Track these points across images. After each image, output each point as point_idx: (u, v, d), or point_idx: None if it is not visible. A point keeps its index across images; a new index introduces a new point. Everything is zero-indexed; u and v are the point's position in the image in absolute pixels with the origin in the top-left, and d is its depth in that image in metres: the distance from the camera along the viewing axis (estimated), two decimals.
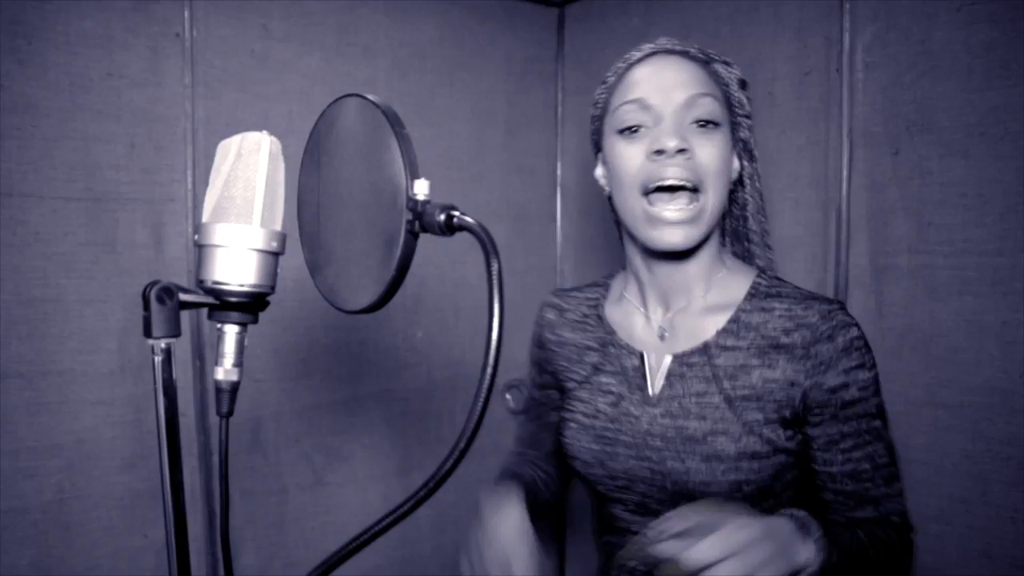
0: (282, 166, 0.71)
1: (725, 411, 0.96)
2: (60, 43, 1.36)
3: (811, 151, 1.52)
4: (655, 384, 1.02)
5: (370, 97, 0.67)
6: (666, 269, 1.03)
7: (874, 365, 0.96)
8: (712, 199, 0.96)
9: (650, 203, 0.96)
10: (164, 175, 1.49)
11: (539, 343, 1.21)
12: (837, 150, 1.47)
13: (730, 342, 0.99)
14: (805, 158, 1.53)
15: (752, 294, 1.01)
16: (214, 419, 1.55)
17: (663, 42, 1.02)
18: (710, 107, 0.96)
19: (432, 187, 0.64)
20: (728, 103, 1.00)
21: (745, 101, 1.03)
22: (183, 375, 1.51)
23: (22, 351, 1.35)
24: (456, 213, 0.63)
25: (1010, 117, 1.24)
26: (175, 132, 1.49)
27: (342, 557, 0.65)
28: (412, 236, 0.64)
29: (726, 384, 0.97)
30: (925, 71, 1.34)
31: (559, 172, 2.10)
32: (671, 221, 0.95)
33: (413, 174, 0.63)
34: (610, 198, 1.08)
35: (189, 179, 1.51)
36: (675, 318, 1.04)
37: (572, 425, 1.08)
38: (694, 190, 0.95)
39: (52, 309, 1.38)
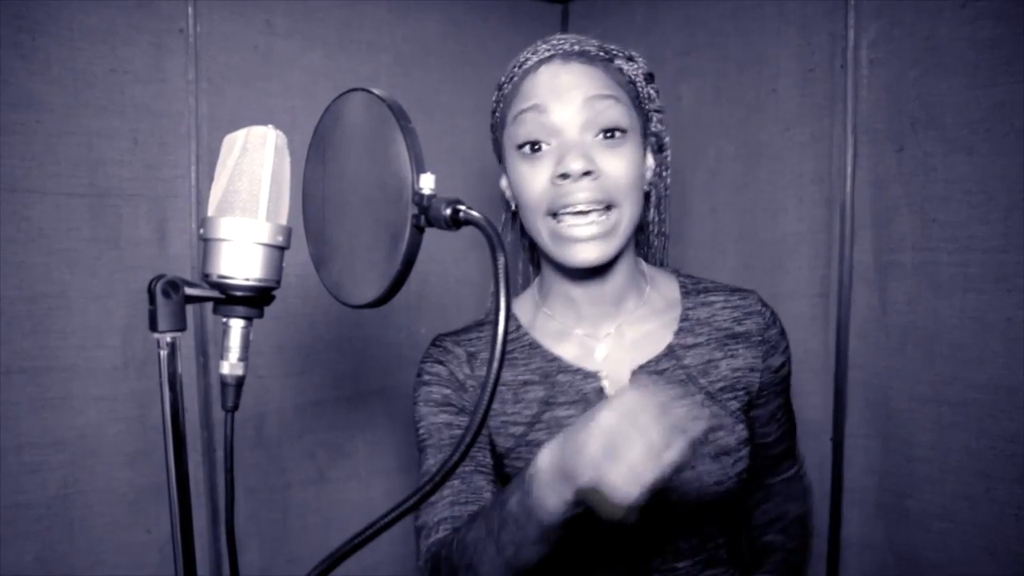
0: (287, 160, 0.71)
1: (712, 407, 0.96)
2: (64, 39, 1.36)
3: (815, 148, 1.52)
4: None
5: (375, 91, 0.67)
6: (595, 282, 0.97)
7: None
8: (627, 212, 0.91)
9: (558, 221, 0.90)
10: (168, 171, 1.49)
11: (453, 383, 1.01)
12: (841, 147, 1.47)
13: (690, 340, 0.98)
14: (809, 155, 1.53)
15: (686, 292, 1.02)
16: (218, 414, 1.55)
17: (558, 43, 0.94)
18: (614, 112, 0.90)
19: (436, 182, 0.64)
20: (637, 100, 0.95)
21: (654, 94, 0.98)
22: (187, 370, 1.51)
23: (26, 347, 1.35)
24: (462, 207, 0.63)
25: (1015, 114, 1.24)
26: (179, 128, 1.49)
27: (345, 553, 0.65)
28: (418, 230, 0.64)
29: (702, 381, 0.96)
30: (929, 68, 1.34)
31: None
32: (582, 238, 0.89)
33: (419, 168, 0.63)
34: (515, 213, 1.03)
35: (193, 175, 1.51)
36: (620, 330, 0.99)
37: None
38: (607, 207, 0.90)
39: (56, 305, 1.38)
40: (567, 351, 0.99)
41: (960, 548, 1.32)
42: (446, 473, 0.60)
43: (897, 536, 1.42)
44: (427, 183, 0.63)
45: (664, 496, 0.87)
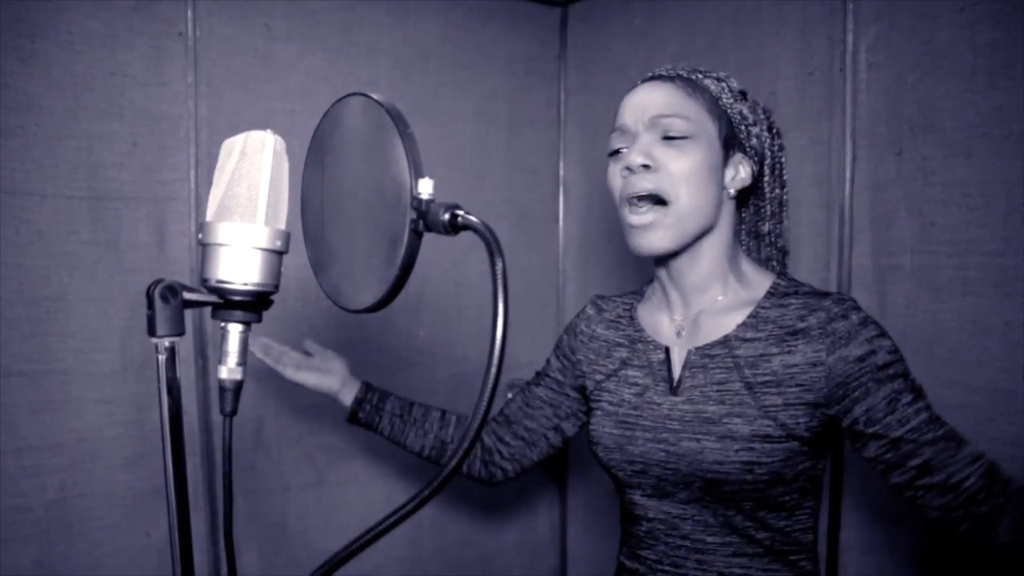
0: (286, 165, 0.71)
1: (744, 396, 1.01)
2: (63, 42, 1.36)
3: (814, 151, 1.52)
4: (678, 375, 1.09)
5: (374, 96, 0.67)
6: (676, 271, 1.10)
7: (890, 337, 1.00)
8: (684, 205, 1.02)
9: (627, 211, 1.06)
10: (167, 174, 1.49)
11: (572, 331, 1.27)
12: (840, 150, 1.47)
13: (750, 334, 1.05)
14: (808, 158, 1.53)
15: (771, 293, 1.07)
16: (216, 418, 1.55)
17: (658, 70, 1.10)
18: (677, 125, 1.03)
19: (435, 187, 0.64)
20: (717, 112, 1.05)
21: (746, 111, 1.08)
22: (185, 374, 1.51)
23: (25, 350, 1.36)
24: (460, 212, 0.63)
25: (1013, 117, 1.24)
26: (178, 131, 1.50)
27: (345, 557, 0.65)
28: (416, 235, 0.64)
29: (747, 372, 1.03)
30: (928, 71, 1.34)
31: (562, 171, 2.10)
32: (635, 226, 1.04)
33: (417, 173, 0.63)
34: None
35: (192, 178, 1.51)
36: (698, 316, 1.10)
37: (597, 413, 1.15)
38: (660, 200, 1.03)
39: (55, 308, 1.38)
40: (652, 326, 1.16)
41: (960, 551, 1.32)
42: (446, 477, 0.60)
43: (896, 540, 1.42)
44: (425, 188, 0.63)
45: (675, 463, 1.04)
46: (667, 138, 1.03)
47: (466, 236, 0.69)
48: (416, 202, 0.63)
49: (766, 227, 1.15)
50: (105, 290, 1.43)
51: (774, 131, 1.12)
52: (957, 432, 0.99)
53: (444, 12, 1.84)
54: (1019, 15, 1.23)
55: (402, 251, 0.63)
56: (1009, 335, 1.26)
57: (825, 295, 1.03)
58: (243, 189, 0.68)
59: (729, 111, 1.07)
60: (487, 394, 0.58)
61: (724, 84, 1.08)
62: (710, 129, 1.05)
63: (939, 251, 1.34)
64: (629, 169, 1.04)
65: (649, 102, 1.05)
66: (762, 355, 1.03)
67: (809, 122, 1.53)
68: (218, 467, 1.56)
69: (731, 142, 1.07)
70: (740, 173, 1.08)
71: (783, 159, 1.14)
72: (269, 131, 0.70)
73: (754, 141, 1.09)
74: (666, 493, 1.07)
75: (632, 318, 1.20)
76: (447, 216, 0.63)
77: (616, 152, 1.09)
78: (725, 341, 1.06)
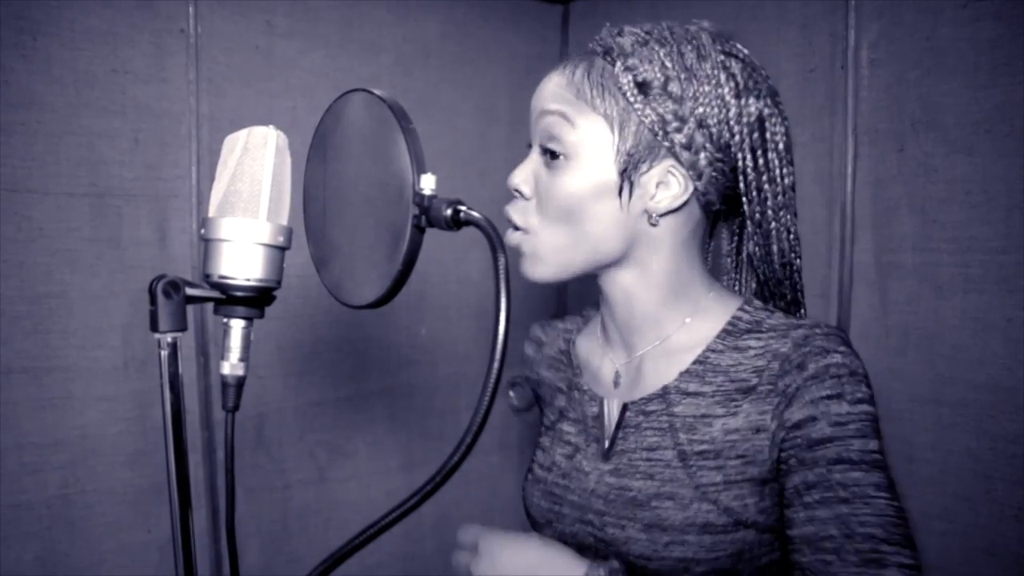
0: (288, 160, 0.71)
1: (677, 470, 0.81)
2: (65, 39, 1.36)
3: (816, 148, 1.52)
4: (610, 436, 0.88)
5: (376, 92, 0.67)
6: (613, 306, 0.89)
7: (862, 400, 0.74)
8: (544, 240, 0.83)
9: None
10: (168, 171, 1.49)
11: (532, 382, 1.10)
12: (842, 147, 1.47)
13: (693, 387, 0.83)
14: (810, 155, 1.53)
15: (727, 331, 0.84)
16: (218, 415, 1.55)
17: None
18: (551, 129, 0.82)
19: (437, 183, 0.64)
20: (624, 119, 0.80)
21: (666, 111, 0.79)
22: (187, 371, 1.51)
23: (26, 347, 1.36)
24: (463, 208, 0.63)
25: (1015, 114, 1.24)
26: (180, 128, 1.49)
27: (346, 553, 0.65)
28: (418, 231, 0.64)
29: (682, 436, 0.82)
30: (930, 68, 1.34)
31: None
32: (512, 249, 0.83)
33: (420, 168, 0.63)
34: None
35: (194, 175, 1.51)
36: (642, 360, 0.89)
37: (529, 476, 0.98)
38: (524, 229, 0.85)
39: (56, 305, 1.38)
40: (590, 368, 0.96)
41: (960, 549, 1.32)
42: (447, 473, 0.60)
43: None
44: (428, 183, 0.63)
45: (605, 550, 0.85)
46: (545, 153, 0.83)
47: (467, 234, 0.69)
48: (418, 197, 0.63)
49: (750, 250, 0.87)
50: (107, 287, 1.43)
51: (744, 120, 0.82)
52: (879, 567, 0.69)
53: (445, 9, 1.84)
54: (1021, 12, 1.23)
55: (404, 247, 0.63)
56: (1011, 332, 1.26)
57: (796, 327, 0.79)
58: (245, 185, 0.68)
59: (639, 115, 0.79)
60: (488, 392, 0.58)
61: (635, 75, 0.79)
62: (602, 143, 0.80)
63: (941, 248, 1.34)
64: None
65: (539, 98, 0.86)
66: (703, 416, 0.81)
67: (811, 119, 1.52)
68: (219, 464, 1.56)
69: (646, 153, 0.80)
70: (668, 191, 0.81)
71: (762, 160, 0.83)
72: (271, 127, 0.70)
73: (685, 142, 0.80)
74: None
75: (570, 356, 0.99)
76: (449, 211, 0.63)
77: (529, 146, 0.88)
78: (663, 394, 0.84)
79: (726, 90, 0.80)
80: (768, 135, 0.84)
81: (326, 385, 1.72)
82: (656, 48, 0.80)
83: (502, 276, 0.59)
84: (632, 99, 0.79)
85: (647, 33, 0.82)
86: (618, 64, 0.80)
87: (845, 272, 1.47)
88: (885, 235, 1.42)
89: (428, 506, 0.67)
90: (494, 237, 0.60)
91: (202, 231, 0.69)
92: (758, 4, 1.60)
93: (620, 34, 0.83)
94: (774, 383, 0.77)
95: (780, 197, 0.85)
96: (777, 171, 0.85)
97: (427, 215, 0.63)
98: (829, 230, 1.51)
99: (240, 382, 0.71)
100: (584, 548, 0.86)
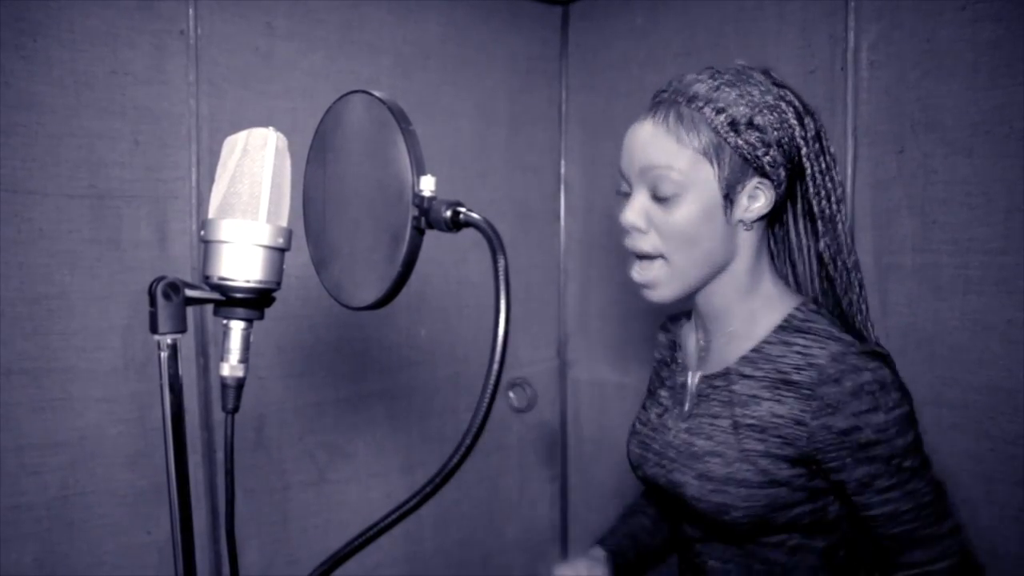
0: (288, 162, 0.71)
1: (729, 436, 0.99)
2: (65, 40, 1.36)
3: None
4: (689, 401, 1.08)
5: (376, 94, 0.67)
6: (699, 296, 1.06)
7: (895, 406, 0.92)
8: (680, 263, 0.99)
9: (632, 267, 1.04)
10: (168, 172, 1.49)
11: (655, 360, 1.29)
12: (842, 148, 1.47)
13: (748, 370, 1.01)
14: None
15: (782, 327, 1.01)
16: (217, 416, 1.55)
17: (658, 93, 1.01)
18: (664, 184, 0.96)
19: (436, 184, 0.64)
20: (718, 153, 0.95)
21: (754, 139, 0.95)
22: (187, 372, 1.51)
23: (26, 348, 1.36)
24: (462, 209, 0.63)
25: (1015, 115, 1.24)
26: (179, 129, 1.50)
27: (346, 554, 0.65)
28: (418, 232, 0.64)
29: (738, 410, 1.00)
30: (930, 69, 1.34)
31: (563, 170, 2.10)
32: (639, 283, 1.02)
33: (419, 170, 0.63)
34: None
35: (193, 176, 1.51)
36: (713, 342, 1.08)
37: (631, 428, 1.18)
38: (656, 257, 1.00)
39: (56, 306, 1.38)
40: (685, 347, 1.16)
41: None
42: (447, 475, 0.60)
43: None
44: (427, 185, 0.64)
45: (671, 490, 1.05)
46: (656, 198, 0.98)
47: (467, 235, 0.69)
48: (418, 199, 0.63)
49: (820, 249, 1.04)
50: (106, 288, 1.43)
51: (807, 136, 0.98)
52: (943, 520, 0.96)
53: (445, 10, 1.84)
54: (1020, 13, 1.23)
55: (404, 248, 0.63)
56: (1010, 333, 1.26)
57: (832, 340, 0.95)
58: (245, 186, 0.68)
59: (732, 147, 0.96)
60: (488, 393, 0.58)
61: (725, 115, 0.95)
62: (706, 175, 0.96)
63: (940, 249, 1.34)
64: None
65: (637, 149, 0.99)
66: (754, 396, 0.99)
67: None
68: (219, 465, 1.56)
69: (740, 175, 0.97)
70: (758, 202, 0.98)
71: (823, 164, 1.00)
72: (271, 128, 0.70)
73: (771, 162, 0.97)
74: (681, 515, 1.10)
75: (677, 336, 1.19)
76: (449, 213, 0.63)
77: (624, 195, 1.04)
78: (726, 373, 1.04)
79: (790, 114, 0.97)
80: (823, 143, 1.00)
81: (326, 386, 1.72)
82: (728, 91, 0.96)
83: (502, 277, 0.59)
84: (725, 134, 0.95)
85: (712, 79, 0.98)
86: (706, 109, 0.95)
87: None
88: (885, 236, 1.42)
89: (428, 507, 0.67)
90: (494, 238, 0.60)
91: (202, 233, 0.69)
92: (758, 5, 1.60)
93: (692, 83, 0.98)
94: (813, 388, 0.93)
95: (839, 191, 1.03)
96: (835, 171, 1.02)
97: (427, 216, 0.63)
98: None
99: (240, 383, 0.71)
100: (659, 488, 1.08)
